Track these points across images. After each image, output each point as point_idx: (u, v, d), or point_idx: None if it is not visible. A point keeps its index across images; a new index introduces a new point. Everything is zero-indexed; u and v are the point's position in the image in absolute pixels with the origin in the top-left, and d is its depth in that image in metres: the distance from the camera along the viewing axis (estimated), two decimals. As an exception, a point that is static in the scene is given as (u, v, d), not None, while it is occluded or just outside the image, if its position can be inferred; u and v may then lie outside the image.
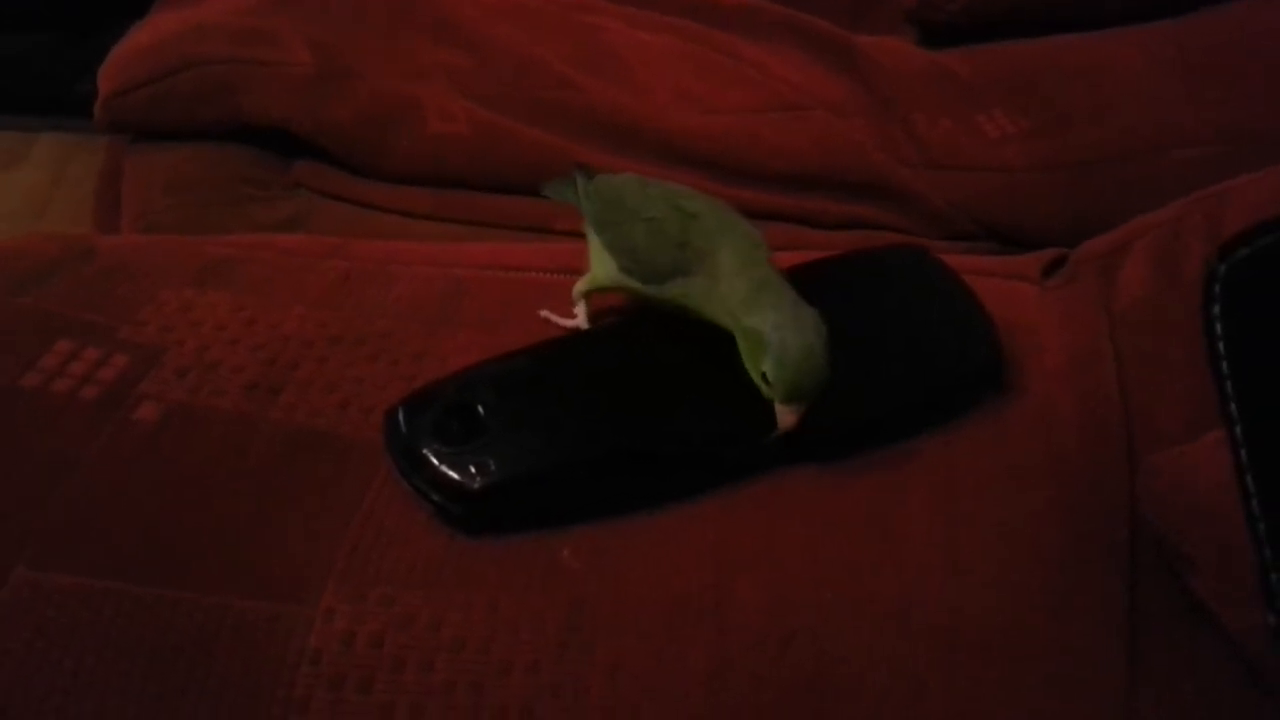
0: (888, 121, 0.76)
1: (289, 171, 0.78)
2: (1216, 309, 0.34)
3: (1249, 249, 0.33)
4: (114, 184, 0.82)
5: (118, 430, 0.46)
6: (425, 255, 0.58)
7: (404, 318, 0.52)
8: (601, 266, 0.51)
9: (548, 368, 0.47)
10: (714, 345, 0.48)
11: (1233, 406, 0.34)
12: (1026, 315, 0.54)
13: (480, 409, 0.45)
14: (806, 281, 0.53)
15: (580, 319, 0.52)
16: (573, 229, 0.76)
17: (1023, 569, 0.43)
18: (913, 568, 0.43)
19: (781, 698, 0.39)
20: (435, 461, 0.43)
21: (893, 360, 0.49)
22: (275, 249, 0.58)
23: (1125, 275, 0.55)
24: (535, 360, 0.48)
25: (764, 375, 0.43)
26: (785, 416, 0.44)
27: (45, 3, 1.40)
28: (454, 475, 0.43)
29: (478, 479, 0.43)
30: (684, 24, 0.87)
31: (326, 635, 0.40)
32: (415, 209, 0.76)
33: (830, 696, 0.39)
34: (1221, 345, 0.34)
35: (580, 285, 0.52)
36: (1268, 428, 0.34)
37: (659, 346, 0.49)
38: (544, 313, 0.53)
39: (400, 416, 0.45)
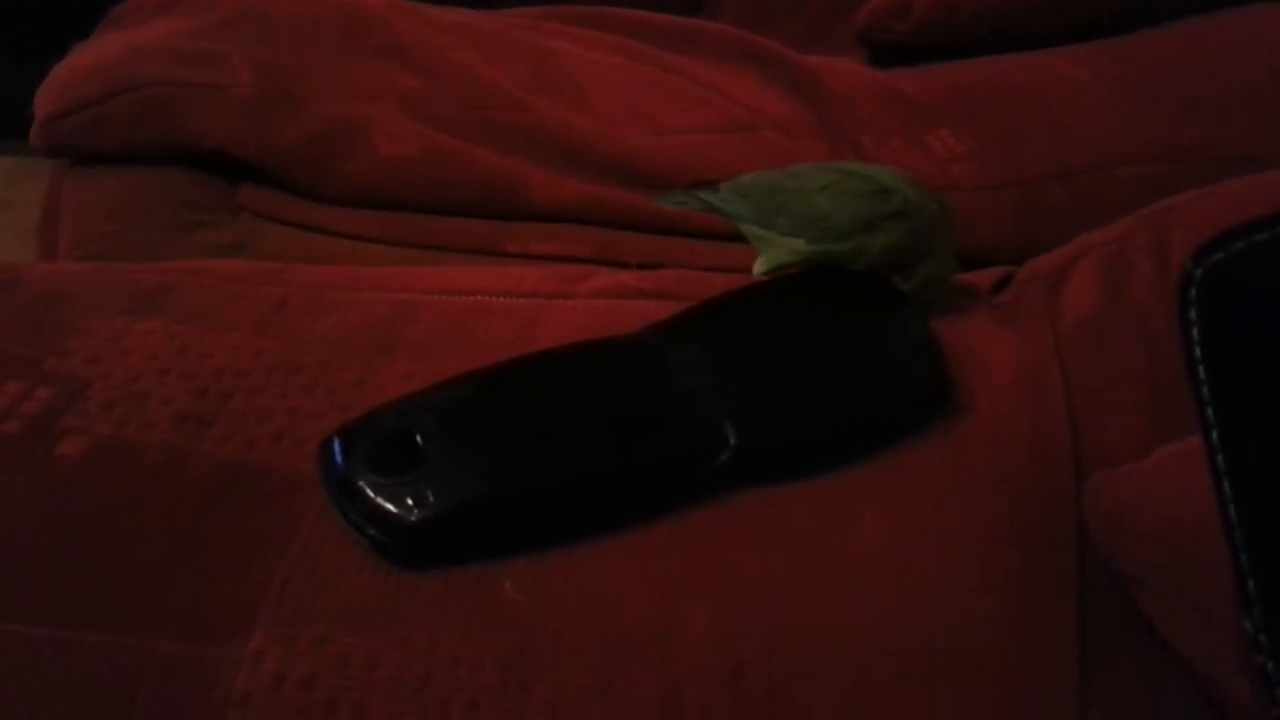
0: (837, 141, 0.76)
1: (233, 196, 0.76)
2: (1193, 313, 0.33)
3: (1224, 253, 0.33)
4: (56, 210, 0.80)
5: (40, 466, 0.44)
6: (367, 280, 0.57)
7: (343, 345, 0.51)
8: (778, 250, 0.54)
9: (489, 394, 0.46)
10: (659, 367, 0.48)
11: (1209, 411, 0.34)
12: (974, 334, 0.54)
13: (419, 438, 0.44)
14: (756, 302, 0.53)
15: None
16: (525, 251, 0.75)
17: (975, 589, 0.43)
18: (865, 590, 0.42)
19: (733, 728, 0.38)
20: (371, 494, 0.42)
21: (839, 381, 0.48)
22: (212, 275, 0.56)
23: (1071, 293, 0.55)
24: (476, 387, 0.46)
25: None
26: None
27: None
28: (390, 508, 0.42)
29: (415, 511, 0.42)
30: (636, 46, 0.86)
31: (255, 678, 0.38)
32: (364, 232, 0.74)
33: (784, 723, 0.38)
34: (1198, 349, 0.33)
35: (759, 267, 0.54)
36: (1245, 431, 0.33)
37: (603, 370, 0.48)
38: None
39: (335, 447, 0.44)
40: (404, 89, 0.77)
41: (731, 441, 0.45)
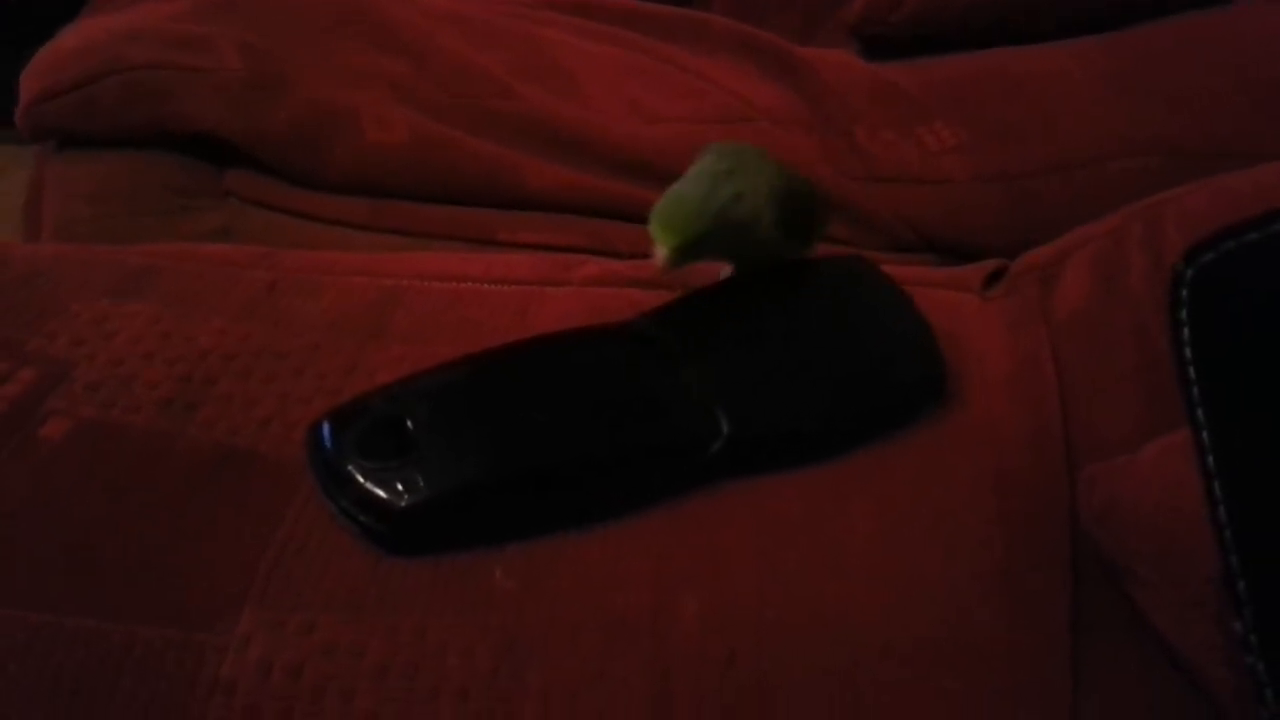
0: (830, 134, 0.76)
1: (220, 180, 0.76)
2: (1184, 313, 0.33)
3: (1214, 253, 0.33)
4: (40, 193, 0.79)
5: (21, 448, 0.43)
6: (357, 265, 0.56)
7: (332, 330, 0.51)
8: None
9: (479, 380, 0.46)
10: (653, 357, 0.47)
11: (1199, 411, 0.34)
12: (968, 326, 0.54)
13: (409, 423, 0.43)
14: (749, 291, 0.53)
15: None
16: (515, 239, 0.75)
17: (966, 581, 0.43)
18: (856, 582, 0.42)
19: (725, 717, 0.38)
20: (361, 479, 0.42)
21: (834, 371, 0.48)
22: (199, 258, 0.55)
23: (1065, 285, 0.55)
24: (466, 372, 0.46)
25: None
26: (656, 251, 0.46)
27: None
28: (380, 493, 0.41)
29: (405, 496, 0.41)
30: (629, 35, 0.86)
31: (241, 665, 0.38)
32: (352, 219, 0.74)
33: (775, 714, 0.38)
34: (1189, 350, 0.33)
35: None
36: (1235, 431, 0.34)
37: (596, 357, 0.48)
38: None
39: (325, 432, 0.43)
40: (393, 75, 0.76)
41: (725, 430, 0.45)
